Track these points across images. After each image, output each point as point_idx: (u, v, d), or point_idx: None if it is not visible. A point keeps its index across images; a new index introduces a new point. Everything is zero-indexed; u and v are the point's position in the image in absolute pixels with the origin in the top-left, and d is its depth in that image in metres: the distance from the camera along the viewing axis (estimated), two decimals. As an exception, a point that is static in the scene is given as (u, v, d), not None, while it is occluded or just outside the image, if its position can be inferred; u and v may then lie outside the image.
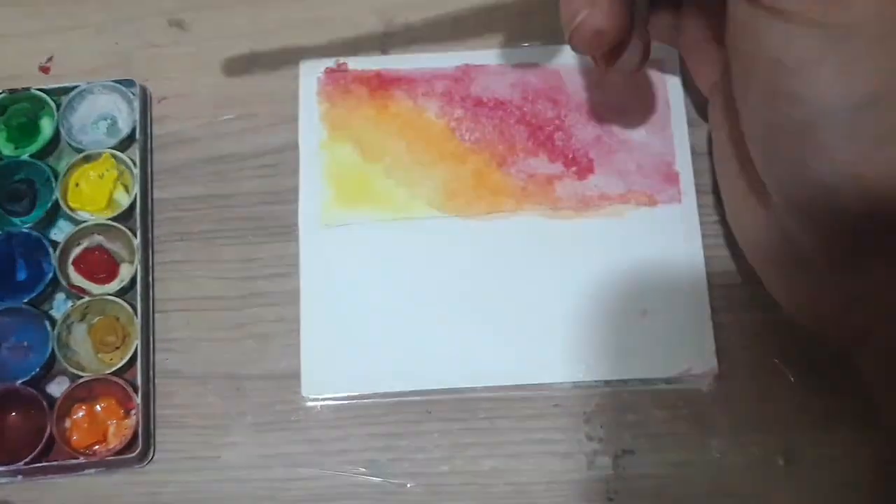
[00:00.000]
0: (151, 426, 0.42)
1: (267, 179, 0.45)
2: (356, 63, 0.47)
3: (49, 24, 0.48)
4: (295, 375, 0.42)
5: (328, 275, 0.43)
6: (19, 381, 0.41)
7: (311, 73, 0.46)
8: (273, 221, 0.45)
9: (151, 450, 0.41)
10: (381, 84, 0.46)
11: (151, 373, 0.42)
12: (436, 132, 0.45)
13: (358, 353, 0.42)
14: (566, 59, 0.46)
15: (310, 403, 0.42)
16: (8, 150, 0.45)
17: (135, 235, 0.43)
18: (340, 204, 0.44)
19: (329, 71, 0.46)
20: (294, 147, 0.45)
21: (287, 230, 0.44)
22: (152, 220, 0.45)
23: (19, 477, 0.41)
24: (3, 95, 0.45)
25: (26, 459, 0.40)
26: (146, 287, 0.43)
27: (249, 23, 0.48)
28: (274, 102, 0.46)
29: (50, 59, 0.47)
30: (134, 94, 0.45)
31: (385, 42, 0.47)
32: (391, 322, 0.43)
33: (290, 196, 0.45)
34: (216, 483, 0.41)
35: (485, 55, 0.47)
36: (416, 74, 0.46)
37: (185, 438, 0.42)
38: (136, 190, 0.44)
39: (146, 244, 0.44)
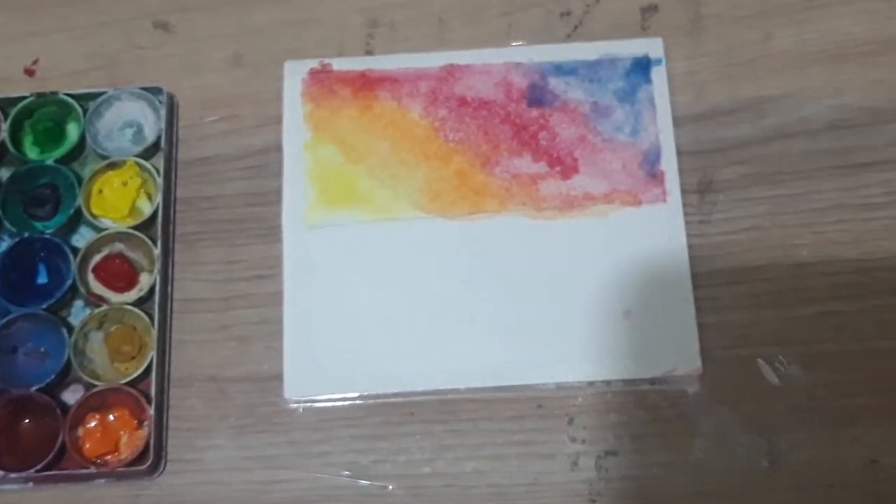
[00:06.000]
0: (164, 438, 0.41)
1: (250, 181, 0.45)
2: (340, 64, 0.47)
3: (34, 27, 0.48)
4: (277, 377, 0.42)
5: (311, 276, 0.43)
6: (34, 388, 0.41)
7: (295, 74, 0.46)
8: (256, 223, 0.44)
9: (163, 462, 0.41)
10: (366, 84, 0.46)
11: (166, 384, 0.42)
12: (420, 132, 0.45)
13: (341, 355, 0.42)
14: (551, 57, 0.46)
15: (292, 405, 0.42)
16: (33, 154, 0.45)
17: (155, 245, 0.43)
18: (324, 205, 0.44)
19: (313, 72, 0.46)
20: (278, 148, 0.45)
21: (270, 232, 0.44)
22: (174, 230, 0.44)
23: (30, 484, 0.41)
24: (30, 99, 0.45)
25: (38, 467, 0.40)
26: (165, 297, 0.43)
27: (234, 24, 0.48)
28: (258, 104, 0.46)
29: (35, 62, 0.47)
30: (161, 102, 0.45)
31: (369, 42, 0.47)
32: (374, 324, 0.43)
33: (273, 197, 0.45)
34: (198, 485, 0.41)
35: (469, 55, 0.46)
36: (401, 75, 0.46)
37: (168, 441, 0.42)
38: (159, 199, 0.44)
39: (167, 254, 0.43)
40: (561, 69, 0.46)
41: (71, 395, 0.42)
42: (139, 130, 0.46)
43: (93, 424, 0.41)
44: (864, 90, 0.45)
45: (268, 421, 0.42)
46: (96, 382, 0.41)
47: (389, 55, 0.47)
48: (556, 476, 0.41)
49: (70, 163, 0.45)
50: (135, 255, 0.44)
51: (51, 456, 0.40)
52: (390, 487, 0.41)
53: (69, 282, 0.42)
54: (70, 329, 0.42)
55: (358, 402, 0.42)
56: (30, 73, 0.47)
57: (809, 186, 0.43)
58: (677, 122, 0.45)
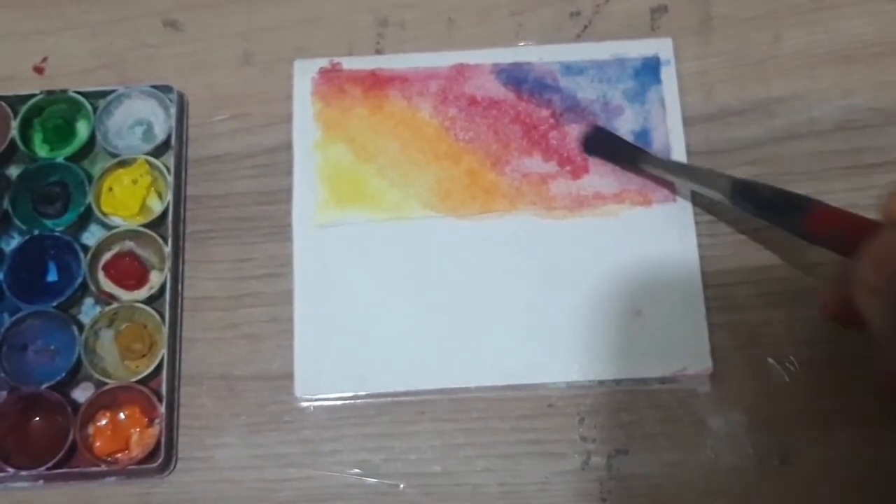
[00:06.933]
0: (174, 436, 0.41)
1: (260, 180, 0.45)
2: (350, 63, 0.47)
3: (43, 25, 0.48)
4: (288, 376, 0.42)
5: (322, 275, 0.43)
6: (44, 385, 0.41)
7: (305, 73, 0.46)
8: (266, 222, 0.44)
9: (173, 460, 0.41)
10: (376, 84, 0.46)
11: (177, 382, 0.42)
12: (430, 132, 0.45)
13: (351, 354, 0.42)
14: (561, 57, 0.46)
15: (303, 404, 0.42)
16: (43, 152, 0.45)
17: (166, 243, 0.43)
18: (334, 204, 0.44)
19: (323, 71, 0.46)
20: (288, 147, 0.45)
21: (280, 230, 0.44)
22: (184, 228, 0.44)
23: (40, 482, 0.41)
24: (40, 97, 0.45)
25: (48, 465, 0.40)
26: (175, 295, 0.43)
27: (243, 23, 0.48)
28: (268, 102, 0.46)
29: (44, 60, 0.47)
30: (171, 101, 0.45)
31: (379, 42, 0.47)
32: (384, 322, 0.43)
33: (283, 196, 0.45)
34: (208, 484, 0.41)
35: (479, 55, 0.47)
36: (411, 74, 0.46)
37: (178, 439, 0.42)
38: (170, 197, 0.44)
39: (177, 252, 0.43)
40: (570, 69, 0.46)
41: (81, 393, 0.42)
42: (149, 128, 0.46)
43: (103, 422, 0.41)
44: (873, 91, 0.45)
45: (278, 419, 0.42)
46: (107, 380, 0.41)
47: (399, 54, 0.47)
48: (567, 475, 0.41)
49: (80, 160, 0.45)
50: (145, 253, 0.44)
51: (61, 454, 0.40)
52: (401, 486, 0.41)
53: (79, 279, 0.42)
54: (80, 327, 0.42)
55: (368, 400, 0.42)
56: (39, 70, 0.47)
57: (819, 187, 0.43)
58: (687, 122, 0.45)
